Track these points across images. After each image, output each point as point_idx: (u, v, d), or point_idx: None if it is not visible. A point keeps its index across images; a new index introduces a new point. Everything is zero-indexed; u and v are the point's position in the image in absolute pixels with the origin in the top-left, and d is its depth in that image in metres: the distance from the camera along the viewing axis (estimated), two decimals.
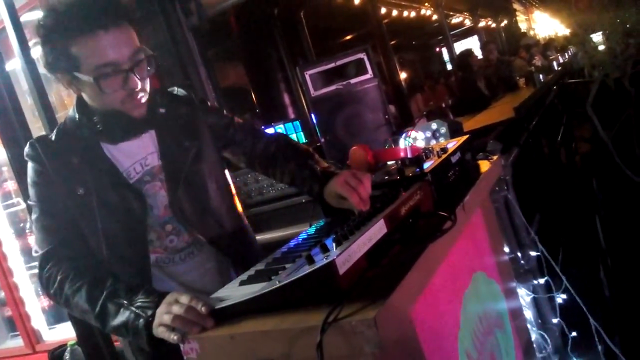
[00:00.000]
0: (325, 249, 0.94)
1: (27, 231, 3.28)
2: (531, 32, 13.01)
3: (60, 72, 1.27)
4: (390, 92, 6.33)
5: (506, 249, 1.78)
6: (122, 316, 1.16)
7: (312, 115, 2.55)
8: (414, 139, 1.93)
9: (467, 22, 12.16)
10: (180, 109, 1.44)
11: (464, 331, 1.22)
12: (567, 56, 7.77)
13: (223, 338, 0.96)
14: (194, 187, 1.40)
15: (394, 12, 8.11)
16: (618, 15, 4.45)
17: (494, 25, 12.84)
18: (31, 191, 1.35)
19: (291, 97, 5.78)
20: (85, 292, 1.22)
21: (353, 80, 2.40)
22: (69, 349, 2.48)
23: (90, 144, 1.35)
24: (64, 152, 1.33)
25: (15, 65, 2.56)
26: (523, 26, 13.49)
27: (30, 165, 1.35)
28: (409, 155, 1.43)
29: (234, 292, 1.05)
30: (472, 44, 11.89)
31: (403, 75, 9.05)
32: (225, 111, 1.58)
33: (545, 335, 1.79)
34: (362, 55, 2.38)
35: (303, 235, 1.27)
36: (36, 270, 1.33)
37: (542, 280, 1.85)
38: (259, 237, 1.67)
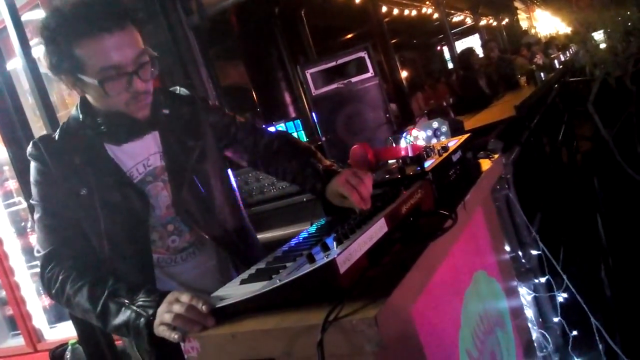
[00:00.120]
0: (326, 248, 0.94)
1: (28, 230, 3.28)
2: (532, 31, 13.00)
3: (64, 73, 1.27)
4: (391, 90, 6.33)
5: (507, 248, 1.78)
6: (123, 315, 1.16)
7: (313, 114, 2.55)
8: (415, 137, 1.93)
9: (468, 21, 12.15)
10: (183, 108, 1.44)
11: (464, 330, 1.22)
12: (568, 54, 7.77)
13: (224, 337, 0.96)
14: (198, 186, 1.40)
15: (395, 11, 8.10)
16: (619, 14, 4.45)
17: (495, 23, 12.83)
18: (34, 190, 1.35)
19: (292, 95, 5.78)
20: (87, 292, 1.22)
21: (354, 79, 2.40)
22: (70, 348, 2.48)
23: (94, 144, 1.35)
24: (67, 151, 1.33)
25: (16, 64, 2.57)
26: (524, 24, 13.49)
27: (33, 165, 1.35)
28: (410, 154, 1.43)
29: (235, 291, 1.05)
30: (473, 42, 11.87)
31: (404, 74, 9.05)
32: (226, 110, 1.58)
33: (546, 334, 1.79)
34: (363, 54, 2.38)
35: (304, 234, 1.27)
36: (37, 270, 1.33)
37: (543, 279, 1.85)
38: (260, 236, 1.67)
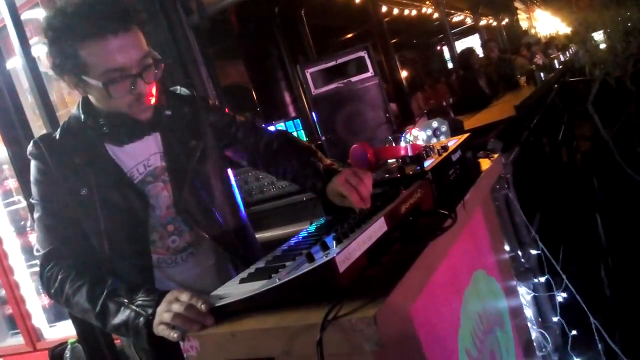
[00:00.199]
0: (325, 247, 0.94)
1: (27, 229, 3.28)
2: (532, 31, 13.00)
3: (67, 74, 1.26)
4: (391, 90, 6.33)
5: (507, 248, 1.78)
6: (123, 315, 1.16)
7: (313, 114, 2.55)
8: (415, 137, 1.93)
9: (468, 21, 12.15)
10: (184, 108, 1.44)
11: (464, 329, 1.23)
12: (568, 54, 7.77)
13: (223, 336, 0.96)
14: (198, 186, 1.40)
15: (395, 11, 8.10)
16: (619, 14, 4.45)
17: (495, 23, 12.82)
18: (34, 190, 1.34)
19: (292, 95, 5.78)
20: (86, 292, 1.22)
21: (354, 79, 2.40)
22: (69, 347, 2.48)
23: (95, 144, 1.34)
24: (67, 151, 1.33)
25: (16, 63, 2.56)
26: (524, 24, 13.49)
27: (33, 164, 1.35)
28: (410, 154, 1.43)
29: (234, 290, 1.05)
30: (473, 42, 11.88)
31: (404, 74, 9.05)
32: (226, 109, 1.58)
33: (546, 334, 1.79)
34: (363, 54, 2.38)
35: (303, 233, 1.27)
36: (37, 269, 1.33)
37: (542, 279, 1.85)
38: (259, 235, 1.68)
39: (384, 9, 7.59)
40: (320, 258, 0.90)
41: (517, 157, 2.20)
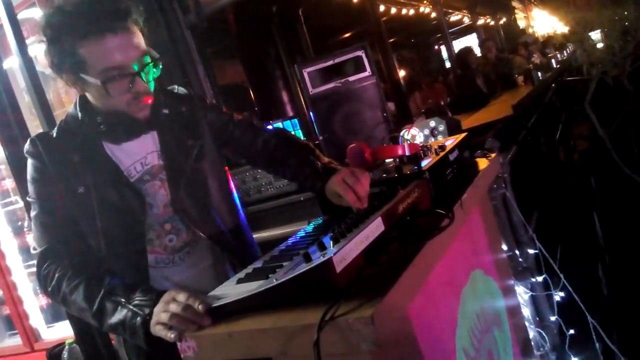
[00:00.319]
0: (322, 247, 0.93)
1: (25, 230, 3.27)
2: (530, 30, 13.01)
3: (65, 72, 1.26)
4: (389, 90, 6.32)
5: (504, 247, 1.78)
6: (120, 314, 1.16)
7: (311, 113, 2.55)
8: (412, 136, 1.93)
9: (466, 20, 12.15)
10: (181, 107, 1.44)
11: (461, 329, 1.22)
12: (565, 54, 7.78)
13: (220, 336, 0.96)
14: (196, 185, 1.40)
15: (393, 10, 8.10)
16: (617, 13, 4.46)
17: (492, 23, 12.83)
18: (30, 188, 1.34)
19: (289, 94, 5.78)
20: (83, 290, 1.22)
21: (351, 78, 2.40)
22: (67, 347, 2.47)
23: (92, 142, 1.34)
24: (64, 149, 1.33)
25: (12, 63, 2.56)
26: (522, 24, 13.50)
27: (30, 162, 1.35)
28: (407, 153, 1.43)
29: (232, 290, 1.04)
30: (471, 41, 11.89)
31: (402, 73, 9.05)
32: (224, 108, 1.58)
33: (543, 333, 1.79)
34: (360, 53, 2.38)
35: (301, 233, 1.26)
36: (34, 269, 1.33)
37: (540, 278, 1.85)
38: (257, 235, 1.67)
39: (382, 8, 7.58)
40: (318, 258, 0.90)
41: (515, 157, 2.20)
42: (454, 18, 11.62)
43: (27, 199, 1.36)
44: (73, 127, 1.36)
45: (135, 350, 1.35)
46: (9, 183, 3.35)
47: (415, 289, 0.99)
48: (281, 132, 1.59)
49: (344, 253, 0.91)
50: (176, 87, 1.50)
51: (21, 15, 2.72)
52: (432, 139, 1.92)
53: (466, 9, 11.40)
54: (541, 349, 1.78)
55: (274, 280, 0.94)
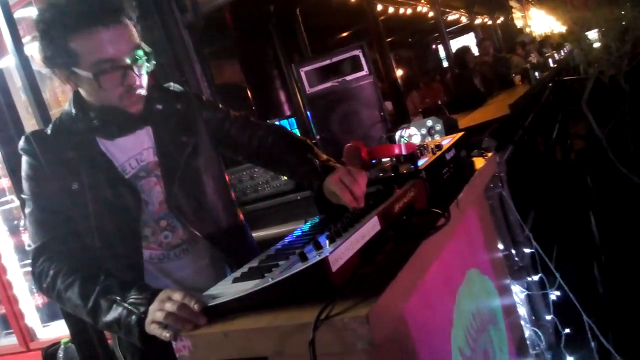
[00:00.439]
0: (318, 246, 0.94)
1: (20, 229, 3.26)
2: (527, 29, 13.02)
3: (58, 67, 1.27)
4: (387, 89, 6.32)
5: (500, 246, 1.79)
6: (115, 312, 1.16)
7: (308, 112, 2.54)
8: (409, 136, 1.93)
9: (464, 20, 12.17)
10: (177, 104, 1.44)
11: (457, 328, 1.23)
12: (562, 53, 7.79)
13: (216, 335, 0.96)
14: (190, 182, 1.40)
15: (390, 9, 8.10)
16: (613, 13, 4.47)
17: (490, 22, 12.84)
18: (25, 185, 1.34)
19: (287, 94, 5.77)
20: (78, 288, 1.21)
21: (348, 77, 2.39)
22: (62, 347, 2.47)
23: (86, 138, 1.34)
24: (59, 146, 1.33)
25: (9, 62, 2.55)
26: (519, 23, 13.51)
27: (24, 159, 1.35)
28: (404, 153, 1.43)
29: (227, 290, 1.04)
30: (468, 41, 11.88)
31: (399, 73, 9.05)
32: (220, 105, 1.57)
33: (539, 332, 1.79)
34: (358, 52, 2.37)
35: (297, 233, 1.27)
36: (29, 268, 1.32)
37: (536, 277, 1.86)
38: (254, 234, 1.67)
39: (380, 7, 7.59)
40: (313, 257, 0.90)
41: (511, 156, 2.20)
42: (451, 17, 11.64)
43: (22, 196, 1.36)
44: (67, 124, 1.36)
45: (131, 349, 1.35)
46: (5, 182, 3.34)
47: (411, 288, 0.99)
48: (279, 129, 1.58)
49: (340, 252, 0.91)
50: (172, 84, 1.50)
51: (17, 14, 2.70)
52: (429, 138, 1.92)
53: (464, 8, 11.41)
54: (537, 348, 1.79)
55: (270, 279, 0.94)
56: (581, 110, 4.05)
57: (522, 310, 1.79)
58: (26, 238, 3.12)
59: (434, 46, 15.91)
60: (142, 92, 1.31)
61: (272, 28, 5.77)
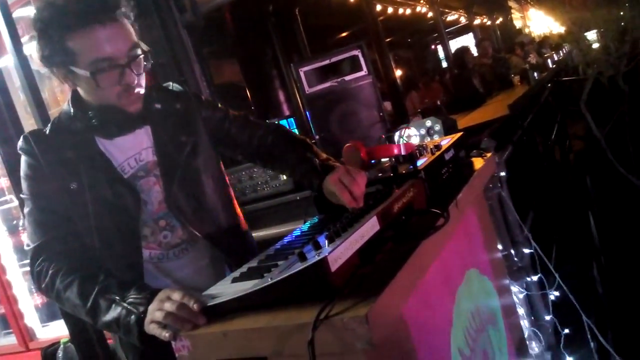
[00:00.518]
0: (317, 246, 0.93)
1: (20, 228, 3.26)
2: (526, 30, 13.03)
3: (56, 66, 1.27)
4: (386, 89, 6.32)
5: (499, 246, 1.79)
6: (114, 312, 1.15)
7: (307, 112, 2.54)
8: (409, 136, 1.93)
9: (463, 20, 12.17)
10: (176, 104, 1.44)
11: (456, 328, 1.23)
12: (561, 54, 7.80)
13: (215, 335, 0.96)
14: (189, 182, 1.40)
15: (390, 10, 8.10)
16: (612, 13, 4.48)
17: (489, 22, 12.85)
18: (24, 185, 1.34)
19: (286, 94, 5.77)
20: (77, 287, 1.21)
21: (347, 77, 2.39)
22: (62, 346, 2.47)
23: (85, 138, 1.34)
24: (57, 146, 1.33)
25: (7, 62, 2.55)
26: (518, 24, 13.52)
27: (23, 159, 1.35)
28: (403, 153, 1.43)
29: (227, 289, 1.04)
30: (467, 41, 11.88)
31: (398, 73, 9.06)
32: (219, 104, 1.57)
33: (538, 332, 1.79)
34: (357, 52, 2.37)
35: (297, 232, 1.27)
36: (29, 268, 1.32)
37: (535, 278, 1.86)
38: (253, 234, 1.67)
39: (379, 7, 7.59)
40: (312, 257, 0.90)
41: (511, 156, 2.20)
42: (450, 18, 11.64)
43: (21, 195, 1.36)
44: (66, 123, 1.36)
45: (132, 348, 1.35)
46: (4, 182, 3.34)
47: (410, 288, 0.99)
48: (278, 128, 1.57)
49: (339, 252, 0.91)
50: (170, 83, 1.50)
51: (16, 14, 2.70)
52: (428, 139, 1.92)
53: (463, 8, 11.42)
54: (536, 348, 1.79)
55: (269, 279, 0.94)
56: (580, 110, 4.06)
57: (522, 311, 1.79)
58: (25, 238, 3.12)
59: (433, 46, 15.90)
60: (141, 90, 1.31)
61: (271, 28, 5.77)
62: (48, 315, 3.26)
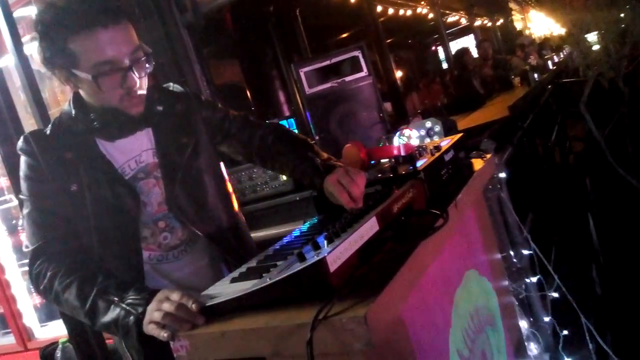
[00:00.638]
0: (316, 247, 0.93)
1: (19, 228, 3.26)
2: (527, 31, 13.04)
3: (57, 68, 1.26)
4: (386, 90, 6.33)
5: (499, 247, 1.79)
6: (113, 313, 1.15)
7: (307, 113, 2.55)
8: (408, 137, 1.93)
9: (463, 21, 12.17)
10: (177, 105, 1.44)
11: (455, 329, 1.23)
12: (562, 55, 7.80)
13: (213, 335, 0.96)
14: (191, 183, 1.40)
15: (390, 11, 8.10)
16: (613, 15, 4.47)
17: (489, 24, 12.86)
18: (23, 185, 1.33)
19: (286, 94, 5.78)
20: (76, 289, 1.21)
21: (348, 78, 2.40)
22: (60, 346, 2.46)
23: (86, 139, 1.34)
24: (58, 147, 1.32)
25: (8, 61, 2.55)
26: (519, 25, 13.52)
27: (23, 159, 1.34)
28: (403, 153, 1.43)
29: (225, 290, 1.04)
30: (468, 42, 11.88)
31: (399, 74, 9.06)
32: (219, 104, 1.57)
33: (537, 334, 1.80)
34: (357, 53, 2.38)
35: (296, 233, 1.27)
36: (27, 269, 1.32)
37: (534, 279, 1.86)
38: (253, 235, 1.67)
39: (379, 8, 7.59)
40: (311, 257, 0.90)
41: (510, 158, 2.21)
42: (451, 19, 11.63)
43: (20, 196, 1.35)
44: (67, 125, 1.35)
45: (136, 348, 1.34)
46: (3, 181, 3.34)
47: (409, 288, 0.99)
48: (278, 127, 1.57)
49: (338, 252, 0.91)
50: (171, 84, 1.50)
51: (17, 14, 2.71)
52: (428, 140, 1.92)
53: (463, 10, 11.42)
54: (535, 350, 1.79)
55: (268, 279, 0.94)
56: (580, 112, 4.06)
57: (520, 312, 1.79)
58: (24, 238, 3.12)
59: (433, 48, 15.90)
60: (142, 93, 1.31)
61: (271, 28, 5.77)
62: (47, 315, 3.26)
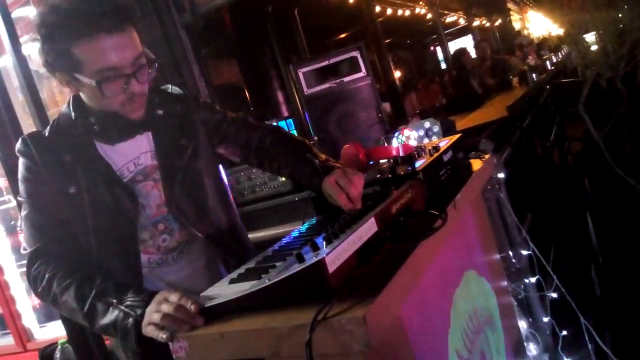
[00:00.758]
0: (315, 247, 0.93)
1: (18, 229, 3.25)
2: (525, 32, 13.06)
3: (59, 71, 1.25)
4: (385, 90, 6.34)
5: (497, 248, 1.79)
6: (111, 315, 1.15)
7: (306, 113, 2.55)
8: (407, 137, 1.93)
9: (462, 21, 12.19)
10: (176, 107, 1.44)
11: (454, 330, 1.23)
12: (560, 56, 7.81)
13: (212, 336, 0.96)
14: (191, 185, 1.40)
15: (389, 11, 8.11)
16: (611, 15, 4.47)
17: (488, 24, 12.87)
18: (21, 187, 1.33)
19: (285, 94, 5.77)
20: (74, 291, 1.21)
21: (346, 79, 2.40)
22: (59, 347, 2.46)
23: (85, 142, 1.33)
24: (56, 149, 1.32)
25: (6, 62, 2.54)
26: (517, 25, 13.54)
27: (21, 161, 1.34)
28: (401, 154, 1.43)
29: (224, 291, 1.04)
30: (466, 43, 11.90)
31: (397, 74, 9.07)
32: (217, 106, 1.57)
33: (536, 334, 1.80)
34: (356, 54, 2.38)
35: (295, 234, 1.26)
36: (25, 270, 1.31)
37: (533, 279, 1.86)
38: (251, 235, 1.67)
39: (378, 9, 7.60)
40: (310, 258, 0.90)
41: (509, 158, 2.21)
42: (449, 19, 11.65)
43: (18, 198, 1.35)
44: (66, 127, 1.35)
45: (133, 350, 1.34)
46: (2, 182, 3.33)
47: (408, 289, 0.99)
48: (277, 129, 1.57)
49: (337, 253, 0.91)
50: (170, 86, 1.50)
51: (15, 14, 2.70)
52: (427, 140, 1.92)
53: (462, 10, 11.44)
54: (534, 350, 1.79)
55: (267, 280, 0.94)
56: (578, 112, 4.06)
57: (519, 312, 1.79)
58: (22, 239, 3.11)
59: (432, 48, 15.92)
60: (144, 99, 1.31)
61: (270, 29, 5.77)
62: (46, 315, 3.25)
